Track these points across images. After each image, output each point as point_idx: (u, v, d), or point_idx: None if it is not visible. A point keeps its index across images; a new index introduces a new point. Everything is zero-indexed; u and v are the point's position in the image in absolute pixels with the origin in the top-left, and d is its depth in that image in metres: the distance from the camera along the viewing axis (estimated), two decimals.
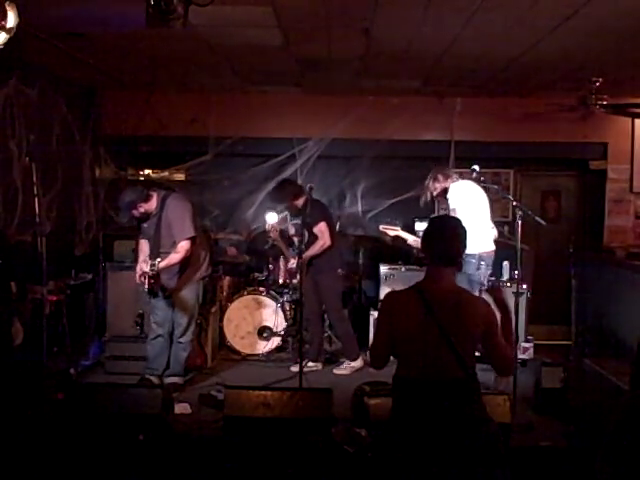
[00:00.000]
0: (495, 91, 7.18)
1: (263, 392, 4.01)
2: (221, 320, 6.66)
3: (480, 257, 5.31)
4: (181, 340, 5.47)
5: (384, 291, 6.59)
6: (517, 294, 4.87)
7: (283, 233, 6.40)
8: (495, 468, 2.72)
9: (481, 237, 5.35)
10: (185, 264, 5.30)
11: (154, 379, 5.41)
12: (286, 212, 6.43)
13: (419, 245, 5.15)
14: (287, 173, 7.42)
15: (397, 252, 7.03)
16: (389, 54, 5.64)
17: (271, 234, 6.23)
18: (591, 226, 7.94)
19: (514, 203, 5.04)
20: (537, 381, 5.07)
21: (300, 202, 5.95)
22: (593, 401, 4.50)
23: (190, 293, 5.43)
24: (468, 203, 5.44)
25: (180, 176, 7.64)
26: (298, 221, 6.05)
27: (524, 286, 6.25)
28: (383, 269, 6.78)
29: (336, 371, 6.13)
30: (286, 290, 6.75)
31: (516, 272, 5.26)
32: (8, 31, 3.61)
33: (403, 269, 6.76)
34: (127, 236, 6.17)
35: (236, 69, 6.35)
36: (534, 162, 7.95)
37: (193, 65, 6.18)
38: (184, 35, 4.48)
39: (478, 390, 2.85)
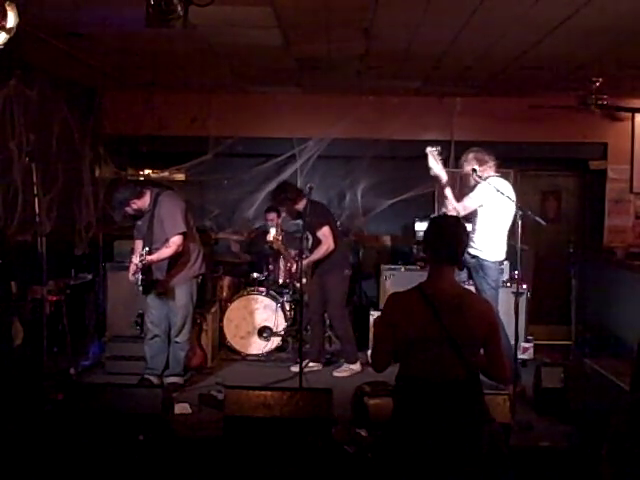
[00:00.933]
0: (495, 91, 7.18)
1: (263, 392, 4.00)
2: (221, 320, 6.65)
3: (501, 262, 5.48)
4: (177, 339, 5.46)
5: (384, 291, 6.60)
6: (517, 294, 4.87)
7: (284, 239, 6.39)
8: (497, 468, 2.73)
9: (503, 244, 5.32)
10: (175, 259, 5.32)
11: (154, 379, 5.41)
12: (283, 215, 6.46)
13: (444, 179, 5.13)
14: (287, 173, 7.43)
15: (397, 252, 7.02)
16: (389, 54, 5.63)
17: (274, 245, 6.24)
18: (591, 226, 7.94)
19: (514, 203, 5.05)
20: (537, 381, 5.06)
21: (300, 205, 5.92)
22: (593, 401, 4.51)
23: (183, 292, 5.42)
24: (498, 205, 5.17)
25: (180, 176, 7.64)
26: (299, 221, 6.06)
27: (524, 286, 6.25)
28: (383, 269, 6.78)
29: (335, 373, 6.11)
30: (286, 290, 6.74)
31: (516, 272, 5.28)
32: (8, 31, 3.62)
33: (403, 269, 6.75)
34: (127, 236, 6.16)
35: (236, 69, 6.34)
36: (534, 162, 7.94)
37: (193, 65, 6.17)
38: (184, 35, 4.47)
39: (481, 390, 2.86)
